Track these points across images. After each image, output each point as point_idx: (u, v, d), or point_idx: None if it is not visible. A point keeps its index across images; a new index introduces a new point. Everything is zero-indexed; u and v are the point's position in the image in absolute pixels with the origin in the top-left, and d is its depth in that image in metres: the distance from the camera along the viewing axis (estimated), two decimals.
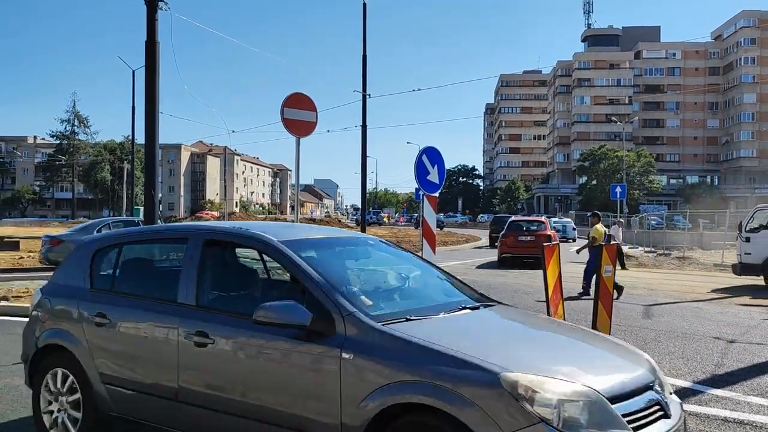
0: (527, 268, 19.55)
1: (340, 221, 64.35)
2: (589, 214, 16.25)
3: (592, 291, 11.45)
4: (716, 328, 9.00)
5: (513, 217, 28.37)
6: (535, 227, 23.13)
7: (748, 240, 15.87)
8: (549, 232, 22.85)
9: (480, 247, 32.94)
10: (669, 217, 42.95)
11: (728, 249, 26.76)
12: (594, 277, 12.02)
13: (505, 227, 23.68)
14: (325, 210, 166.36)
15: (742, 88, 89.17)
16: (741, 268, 15.99)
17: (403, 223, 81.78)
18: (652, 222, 38.42)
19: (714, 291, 14.68)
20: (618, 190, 29.61)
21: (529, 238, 21.97)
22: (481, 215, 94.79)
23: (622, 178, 58.97)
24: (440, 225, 59.38)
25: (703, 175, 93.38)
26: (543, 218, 27.10)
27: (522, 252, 21.70)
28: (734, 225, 20.71)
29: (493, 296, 12.28)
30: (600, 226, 13.34)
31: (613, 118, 78.77)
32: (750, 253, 15.75)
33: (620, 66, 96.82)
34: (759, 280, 15.84)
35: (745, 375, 6.24)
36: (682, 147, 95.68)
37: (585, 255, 14.15)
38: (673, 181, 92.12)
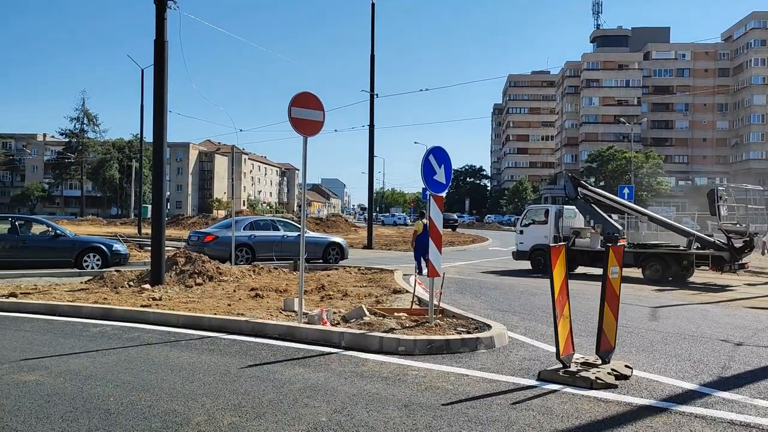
0: (530, 275, 19.58)
1: (346, 221, 64.33)
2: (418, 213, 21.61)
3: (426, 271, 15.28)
4: (723, 331, 8.97)
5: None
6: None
7: (521, 233, 20.52)
8: None
9: (487, 248, 32.87)
10: (677, 218, 42.62)
11: None
12: (422, 259, 16.28)
13: None
14: (333, 208, 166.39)
15: (752, 89, 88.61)
16: (516, 255, 20.59)
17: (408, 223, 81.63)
18: None
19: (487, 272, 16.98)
20: (626, 191, 29.48)
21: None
22: (488, 216, 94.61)
23: (630, 179, 58.76)
24: (453, 226, 59.77)
25: (712, 177, 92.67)
26: None
27: None
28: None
29: (499, 297, 12.22)
30: (421, 222, 16.79)
31: (622, 119, 78.37)
32: (522, 243, 20.28)
33: (629, 67, 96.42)
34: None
35: (752, 378, 6.21)
36: (691, 148, 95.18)
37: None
38: (681, 182, 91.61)
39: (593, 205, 18.60)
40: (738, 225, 17.39)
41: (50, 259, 16.24)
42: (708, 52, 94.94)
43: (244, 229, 19.17)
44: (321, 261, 19.74)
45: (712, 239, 17.36)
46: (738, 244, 16.76)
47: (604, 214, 18.58)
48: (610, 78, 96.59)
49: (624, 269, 17.87)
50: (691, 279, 17.91)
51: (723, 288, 16.12)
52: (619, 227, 18.76)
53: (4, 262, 15.61)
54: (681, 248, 17.80)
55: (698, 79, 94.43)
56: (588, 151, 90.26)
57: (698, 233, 18.21)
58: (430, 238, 8.51)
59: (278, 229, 20.04)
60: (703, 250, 17.12)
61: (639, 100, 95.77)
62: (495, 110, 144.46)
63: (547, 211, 19.95)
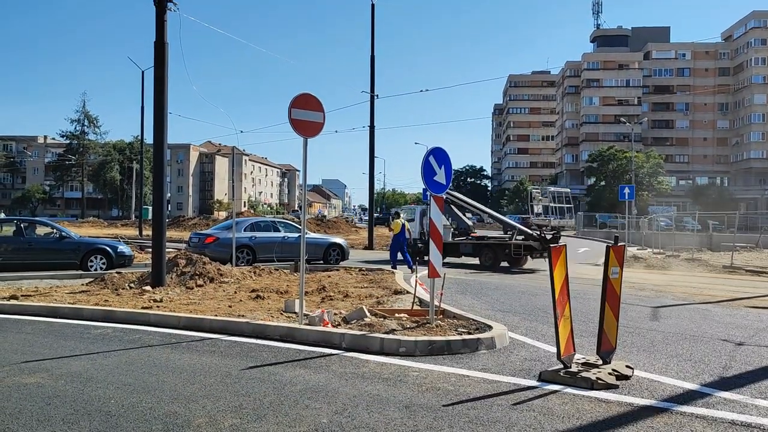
0: (529, 273, 19.58)
1: (347, 221, 64.31)
2: (393, 211, 25.32)
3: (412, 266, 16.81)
4: (724, 331, 8.95)
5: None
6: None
7: None
8: None
9: None
10: (678, 218, 42.70)
11: (737, 251, 26.59)
12: (398, 256, 18.36)
13: None
14: (334, 209, 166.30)
15: (752, 89, 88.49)
16: None
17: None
18: (661, 223, 38.22)
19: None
20: (626, 191, 29.44)
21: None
22: None
23: (630, 179, 58.70)
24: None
25: (712, 177, 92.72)
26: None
27: None
28: (744, 226, 21.16)
29: (500, 298, 12.21)
30: (399, 221, 18.48)
31: (622, 119, 78.34)
32: None
33: (629, 67, 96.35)
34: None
35: (753, 378, 6.20)
36: (692, 148, 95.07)
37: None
38: (682, 182, 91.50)
39: (451, 206, 21.94)
40: (545, 220, 20.46)
41: (56, 260, 16.24)
42: (708, 52, 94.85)
43: (244, 231, 19.16)
44: (322, 262, 19.74)
45: (530, 232, 20.17)
46: (548, 235, 19.44)
47: (459, 213, 22.18)
48: (611, 78, 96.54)
49: (465, 258, 21.22)
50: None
51: (532, 271, 19.59)
52: (470, 223, 22.47)
53: (10, 264, 15.61)
54: (504, 239, 20.91)
55: (698, 79, 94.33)
56: (588, 150, 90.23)
57: (521, 227, 21.01)
58: (430, 239, 8.52)
59: (279, 231, 20.06)
60: (525, 241, 19.79)
61: (639, 99, 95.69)
62: (495, 110, 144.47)
63: (414, 211, 23.37)
